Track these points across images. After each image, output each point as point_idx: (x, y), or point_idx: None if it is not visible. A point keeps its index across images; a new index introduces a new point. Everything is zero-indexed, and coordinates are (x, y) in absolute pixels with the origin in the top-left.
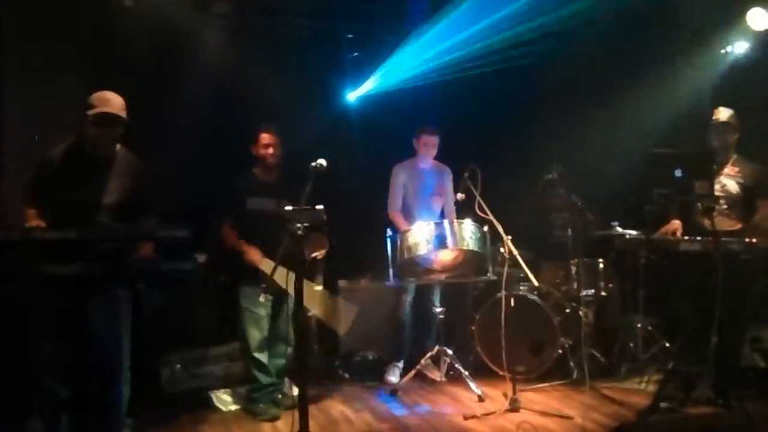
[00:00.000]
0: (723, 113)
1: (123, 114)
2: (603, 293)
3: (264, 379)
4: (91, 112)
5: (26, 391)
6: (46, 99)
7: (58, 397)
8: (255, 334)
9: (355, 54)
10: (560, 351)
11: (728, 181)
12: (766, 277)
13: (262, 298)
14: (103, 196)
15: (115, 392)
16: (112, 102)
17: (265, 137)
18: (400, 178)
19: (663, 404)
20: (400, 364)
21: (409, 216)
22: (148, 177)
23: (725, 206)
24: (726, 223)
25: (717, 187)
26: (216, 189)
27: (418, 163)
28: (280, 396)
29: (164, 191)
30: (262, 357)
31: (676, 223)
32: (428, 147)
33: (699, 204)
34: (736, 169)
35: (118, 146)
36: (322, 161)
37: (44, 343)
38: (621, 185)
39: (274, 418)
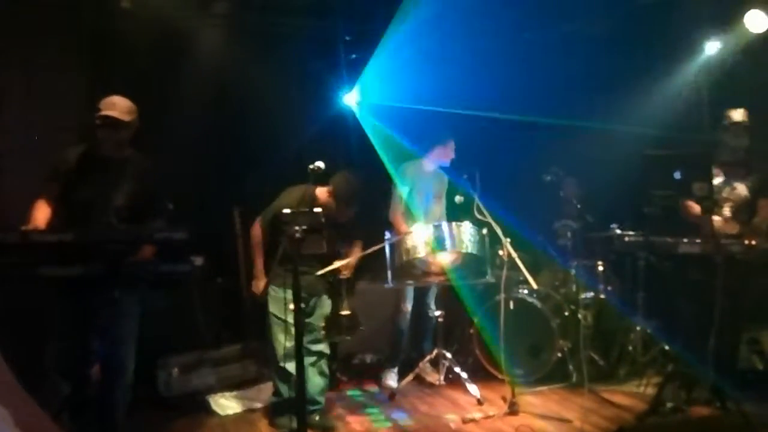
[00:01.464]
0: (741, 114)
1: (127, 118)
2: (602, 296)
3: (287, 392)
4: (97, 116)
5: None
6: (45, 100)
7: (62, 394)
8: (283, 342)
9: (353, 56)
10: (559, 354)
11: (738, 184)
12: (764, 278)
13: (292, 305)
14: (111, 198)
15: (111, 394)
16: (117, 105)
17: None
18: (409, 178)
19: (669, 404)
20: (395, 370)
21: (409, 219)
22: (158, 181)
23: (732, 209)
24: (731, 226)
25: (727, 189)
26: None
27: (425, 167)
28: (317, 418)
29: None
30: (290, 366)
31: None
32: (450, 154)
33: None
34: (745, 171)
35: (130, 150)
36: (320, 163)
37: (50, 342)
38: (620, 187)
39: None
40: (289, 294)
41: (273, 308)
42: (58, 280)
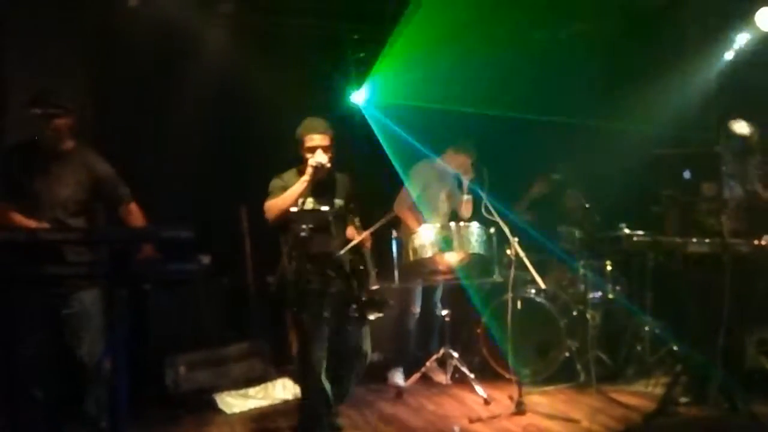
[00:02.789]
0: (745, 127)
1: (58, 99)
2: (610, 295)
3: (324, 410)
4: (32, 106)
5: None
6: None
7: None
8: (321, 358)
9: (362, 55)
10: (567, 353)
11: (735, 184)
12: None
13: (327, 313)
14: (58, 191)
15: (110, 392)
16: (52, 90)
17: (314, 138)
18: (422, 177)
19: (683, 399)
20: (401, 369)
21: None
22: (109, 171)
23: (730, 209)
24: (730, 225)
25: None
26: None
27: (438, 167)
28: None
29: (169, 190)
30: (327, 384)
31: None
32: (464, 167)
33: (704, 205)
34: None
35: (72, 142)
36: (322, 159)
37: (26, 345)
38: (629, 186)
39: None
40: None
41: (310, 321)
42: (44, 279)
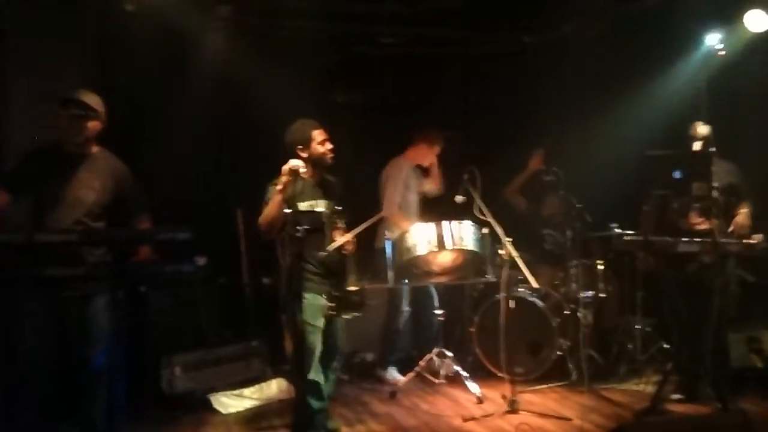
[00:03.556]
0: (705, 129)
1: (90, 102)
2: (601, 295)
3: (316, 404)
4: (63, 105)
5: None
6: (48, 104)
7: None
8: (314, 353)
9: (359, 55)
10: (559, 352)
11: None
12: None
13: (319, 312)
14: (82, 195)
15: (95, 395)
16: (83, 93)
17: (320, 133)
18: (401, 175)
19: (674, 396)
20: (395, 368)
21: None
22: (132, 178)
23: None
24: (699, 223)
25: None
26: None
27: (408, 162)
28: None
29: (165, 192)
30: (319, 378)
31: None
32: (431, 158)
33: (675, 204)
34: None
35: (98, 147)
36: (297, 162)
37: (37, 344)
38: (619, 186)
39: None
40: (324, 301)
41: (308, 317)
42: (51, 281)
